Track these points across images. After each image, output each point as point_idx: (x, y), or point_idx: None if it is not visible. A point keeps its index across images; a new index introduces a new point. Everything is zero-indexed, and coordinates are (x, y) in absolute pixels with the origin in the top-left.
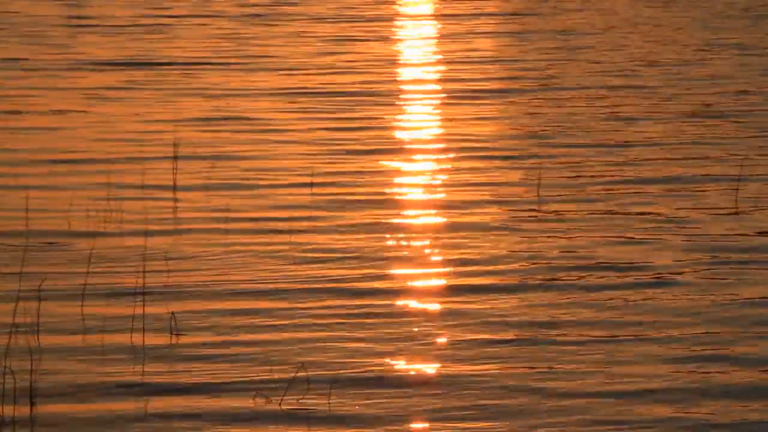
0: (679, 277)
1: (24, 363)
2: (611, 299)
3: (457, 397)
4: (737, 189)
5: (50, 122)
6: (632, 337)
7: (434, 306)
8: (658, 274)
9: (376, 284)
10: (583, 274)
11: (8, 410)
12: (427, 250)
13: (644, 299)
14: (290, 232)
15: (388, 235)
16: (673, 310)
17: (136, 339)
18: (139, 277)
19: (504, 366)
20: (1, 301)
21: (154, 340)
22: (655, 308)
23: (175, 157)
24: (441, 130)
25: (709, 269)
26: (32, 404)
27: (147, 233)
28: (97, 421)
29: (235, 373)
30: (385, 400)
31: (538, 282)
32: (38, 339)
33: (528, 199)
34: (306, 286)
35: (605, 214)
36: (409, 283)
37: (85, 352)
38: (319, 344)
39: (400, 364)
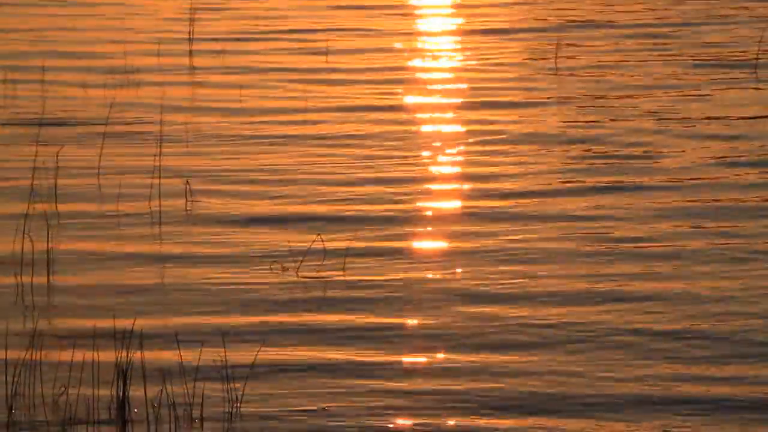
0: None
1: (41, 232)
2: None
3: (468, 272)
4: None
5: None
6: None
7: (453, 173)
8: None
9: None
10: None
11: (26, 278)
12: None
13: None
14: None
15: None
16: None
17: (153, 207)
18: (156, 147)
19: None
20: (19, 172)
21: (170, 208)
22: None
23: (191, 39)
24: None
25: None
26: (49, 273)
27: (163, 105)
28: (114, 289)
29: (252, 243)
30: (399, 269)
31: None
32: (56, 207)
33: None
34: (323, 152)
35: None
36: (431, 168)
37: (102, 222)
38: (335, 214)
39: (417, 234)
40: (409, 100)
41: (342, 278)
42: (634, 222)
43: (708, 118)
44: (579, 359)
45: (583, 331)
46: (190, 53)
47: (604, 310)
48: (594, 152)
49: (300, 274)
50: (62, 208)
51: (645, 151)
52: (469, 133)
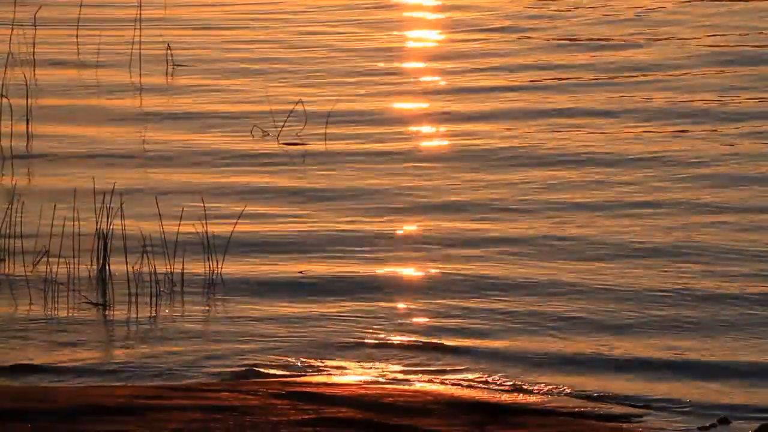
0: None
1: (20, 98)
2: None
3: (455, 130)
4: None
5: None
6: None
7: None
8: None
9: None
10: None
11: (6, 143)
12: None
13: None
14: None
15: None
16: None
17: (134, 72)
18: (135, 8)
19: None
20: None
21: (150, 72)
22: None
23: None
24: None
25: None
26: (29, 138)
27: None
28: (95, 145)
29: (234, 107)
30: (380, 136)
31: None
32: (34, 71)
33: None
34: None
35: None
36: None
37: (82, 84)
38: (316, 80)
39: (396, 104)
40: None
41: (322, 144)
42: None
43: None
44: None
45: None
46: None
47: None
48: None
49: (281, 139)
50: (40, 72)
51: None
52: None
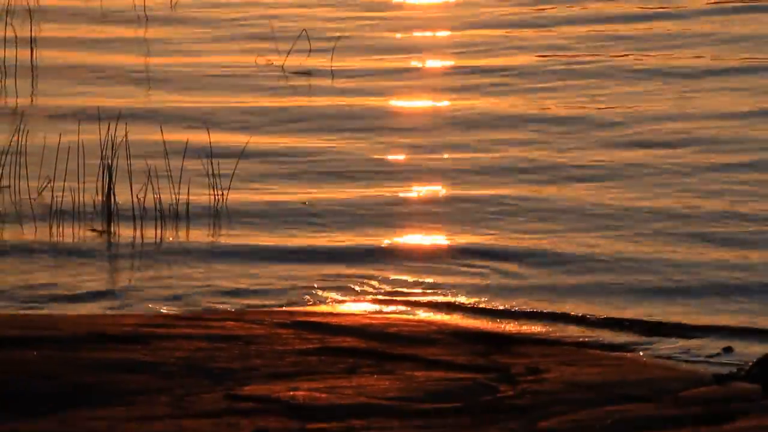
0: None
1: (24, 23)
2: None
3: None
4: None
5: None
6: None
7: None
8: None
9: None
10: None
11: (10, 62)
12: None
13: None
14: None
15: None
16: None
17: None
18: None
19: None
20: None
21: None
22: None
23: None
24: None
25: None
26: (33, 56)
27: None
28: (99, 74)
29: (237, 37)
30: (386, 66)
31: None
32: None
33: None
34: None
35: None
36: None
37: (86, 10)
38: (319, 13)
39: (402, 34)
40: None
41: (328, 74)
42: None
43: None
44: None
45: None
46: None
47: None
48: None
49: (286, 69)
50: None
51: None
52: None
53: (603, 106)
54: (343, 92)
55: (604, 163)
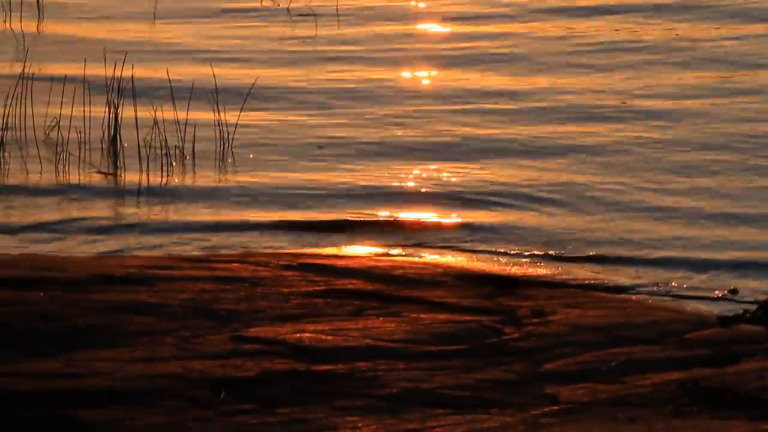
0: None
1: None
2: None
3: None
4: None
5: None
6: None
7: None
8: None
9: None
10: None
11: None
12: None
13: None
14: None
15: None
16: None
17: None
18: None
19: None
20: None
21: None
22: None
23: None
24: None
25: None
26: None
27: None
28: (105, 40)
29: None
30: (392, 9)
31: None
32: None
33: None
34: None
35: None
36: None
37: None
38: None
39: None
40: None
41: (334, 16)
42: None
43: None
44: None
45: None
46: None
47: None
48: None
49: (291, 11)
50: None
51: None
52: None
53: None
54: (349, 37)
55: (623, 107)
